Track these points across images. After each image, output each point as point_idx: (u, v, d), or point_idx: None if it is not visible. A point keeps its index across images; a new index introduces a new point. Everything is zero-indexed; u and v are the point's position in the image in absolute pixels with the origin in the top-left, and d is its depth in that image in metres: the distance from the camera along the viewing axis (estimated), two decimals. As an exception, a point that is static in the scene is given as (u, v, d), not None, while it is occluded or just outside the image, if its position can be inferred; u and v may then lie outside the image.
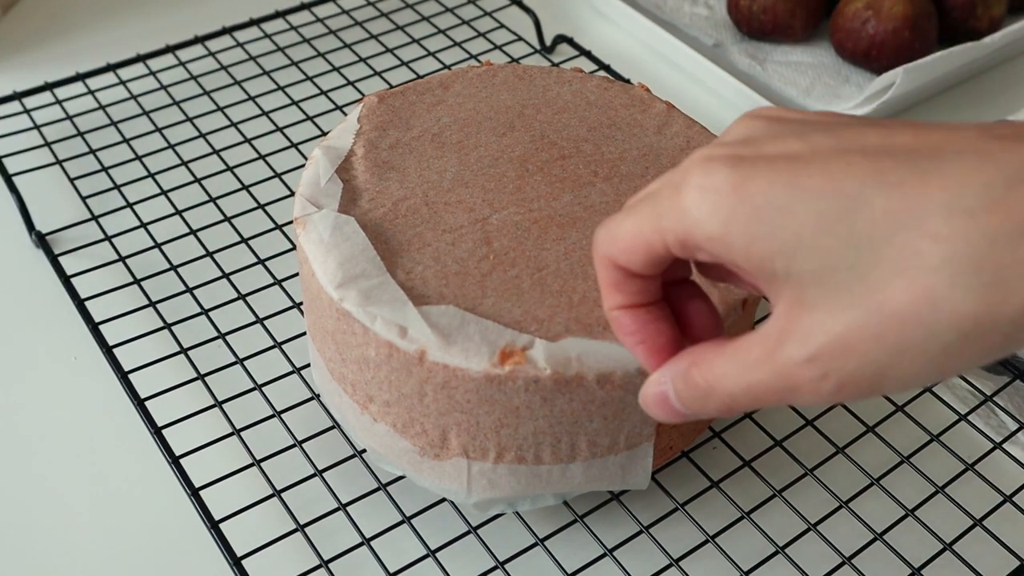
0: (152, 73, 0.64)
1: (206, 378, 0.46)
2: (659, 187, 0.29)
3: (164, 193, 0.57)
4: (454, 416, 0.38)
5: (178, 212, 0.56)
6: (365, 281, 0.38)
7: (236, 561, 0.39)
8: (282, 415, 0.45)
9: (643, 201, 0.29)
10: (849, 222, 0.25)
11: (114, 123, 0.61)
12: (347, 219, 0.40)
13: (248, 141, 0.60)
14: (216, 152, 0.59)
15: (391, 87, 0.65)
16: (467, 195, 0.42)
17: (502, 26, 0.70)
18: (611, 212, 0.42)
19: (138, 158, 0.59)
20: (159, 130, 0.61)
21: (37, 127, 0.61)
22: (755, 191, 0.26)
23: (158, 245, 0.53)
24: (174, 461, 0.43)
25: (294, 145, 0.60)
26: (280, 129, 0.61)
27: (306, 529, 0.41)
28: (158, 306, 0.50)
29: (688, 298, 0.33)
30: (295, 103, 0.64)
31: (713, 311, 0.33)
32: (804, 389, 0.27)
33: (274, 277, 0.52)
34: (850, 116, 0.29)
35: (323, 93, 0.64)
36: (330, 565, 0.40)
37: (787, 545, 0.41)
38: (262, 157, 0.59)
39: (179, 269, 0.52)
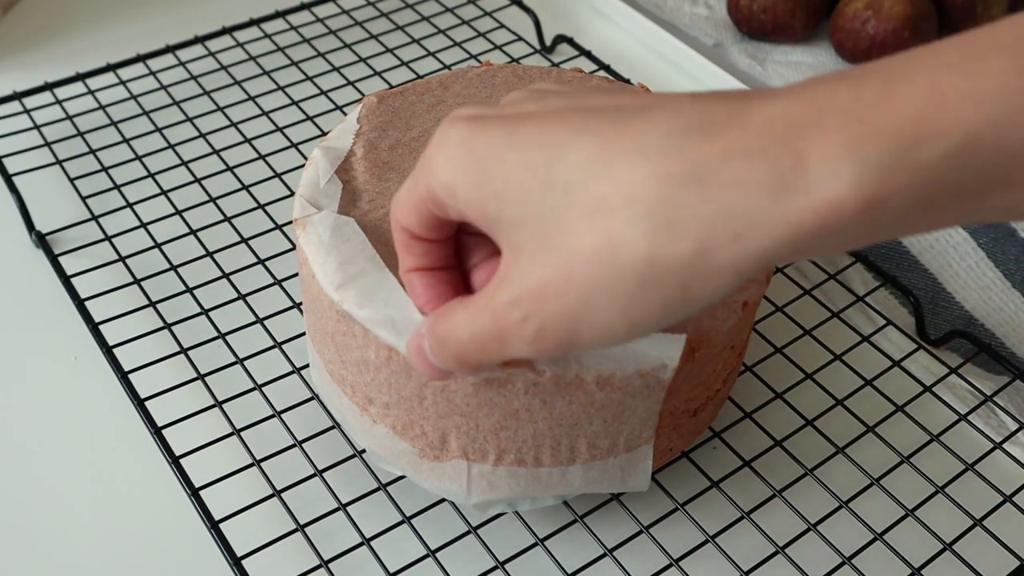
0: (152, 73, 0.64)
1: (206, 378, 0.46)
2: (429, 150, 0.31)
3: (164, 193, 0.57)
4: (454, 419, 0.38)
5: (178, 212, 0.56)
6: (365, 281, 0.38)
7: (236, 561, 0.39)
8: (282, 415, 0.45)
9: (419, 165, 0.31)
10: (550, 169, 0.27)
11: (114, 123, 0.61)
12: (347, 220, 0.40)
13: (248, 141, 0.60)
14: (216, 152, 0.59)
15: (391, 87, 0.65)
16: None
17: (502, 26, 0.70)
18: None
19: (138, 158, 0.59)
20: (159, 130, 0.61)
21: (37, 127, 0.61)
22: (479, 144, 0.28)
23: (158, 245, 0.53)
24: (174, 461, 0.43)
25: (294, 145, 0.60)
26: (280, 129, 0.61)
27: (306, 529, 0.41)
28: (158, 306, 0.50)
29: (488, 270, 0.33)
30: (295, 103, 0.64)
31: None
32: (511, 334, 0.28)
33: (274, 277, 0.52)
34: (610, 85, 0.30)
35: (323, 93, 0.64)
36: (330, 565, 0.40)
37: (787, 545, 0.41)
38: (262, 157, 0.59)
39: (179, 269, 0.52)
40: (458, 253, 0.33)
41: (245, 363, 0.47)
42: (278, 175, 0.58)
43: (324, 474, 0.43)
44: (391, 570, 0.40)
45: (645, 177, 0.25)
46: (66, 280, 0.51)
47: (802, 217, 0.24)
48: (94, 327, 0.48)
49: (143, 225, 0.54)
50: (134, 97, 0.63)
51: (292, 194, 0.57)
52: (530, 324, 0.28)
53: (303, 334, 0.48)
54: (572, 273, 0.26)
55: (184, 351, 0.47)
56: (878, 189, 0.23)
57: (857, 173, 0.23)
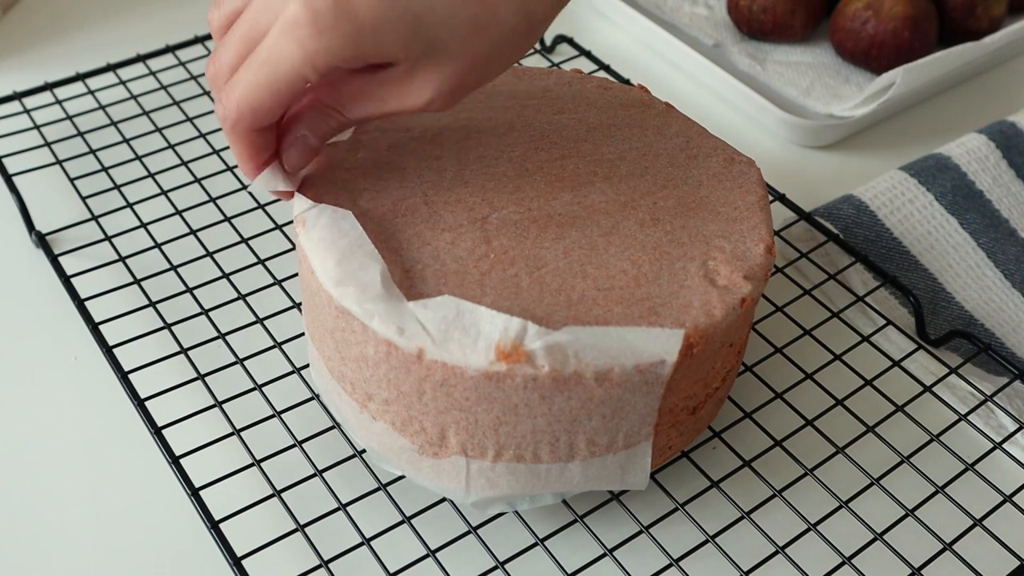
0: (152, 73, 0.64)
1: (206, 378, 0.46)
2: (271, 43, 0.35)
3: (164, 193, 0.57)
4: (453, 414, 0.38)
5: (178, 212, 0.56)
6: (364, 277, 0.38)
7: (236, 561, 0.39)
8: (282, 415, 0.45)
9: (261, 63, 0.36)
10: (435, 12, 0.35)
11: (114, 123, 0.61)
12: (345, 213, 0.40)
13: (248, 141, 0.60)
14: (216, 152, 0.59)
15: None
16: (466, 194, 0.42)
17: (502, 26, 0.70)
18: (610, 212, 0.42)
19: (138, 158, 0.59)
20: (159, 130, 0.61)
21: (37, 127, 0.61)
22: (364, 15, 0.34)
23: (158, 245, 0.53)
24: (174, 461, 0.43)
25: (294, 145, 0.60)
26: (280, 129, 0.61)
27: (306, 529, 0.41)
28: (158, 306, 0.50)
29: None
30: (295, 103, 0.64)
31: None
32: (429, 111, 0.38)
33: (274, 277, 0.52)
34: None
35: None
36: (330, 565, 0.40)
37: (787, 545, 0.41)
38: (262, 157, 0.59)
39: (179, 269, 0.52)
40: None
41: (245, 363, 0.47)
42: (278, 175, 0.58)
43: (324, 474, 0.43)
44: (391, 570, 0.40)
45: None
46: (66, 280, 0.51)
47: None
48: (94, 327, 0.48)
49: (143, 225, 0.54)
50: (134, 97, 0.63)
51: (292, 194, 0.57)
52: (453, 101, 0.38)
53: (303, 334, 0.48)
54: (475, 70, 0.37)
55: (184, 351, 0.47)
56: None
57: None
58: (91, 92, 0.63)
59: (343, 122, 0.38)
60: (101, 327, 0.48)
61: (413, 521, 0.42)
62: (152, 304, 0.50)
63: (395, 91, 0.37)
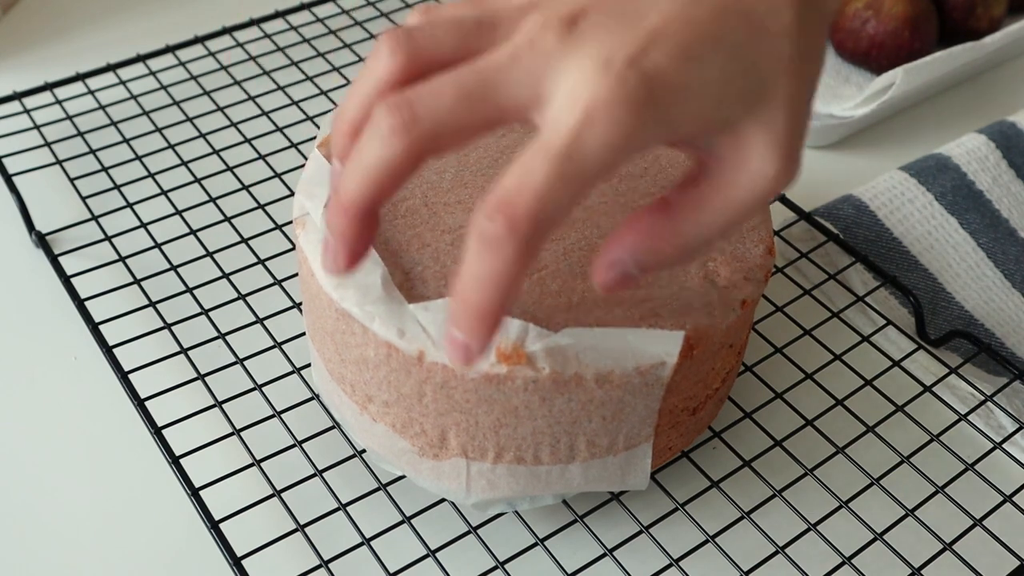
0: (152, 73, 0.64)
1: (206, 378, 0.46)
2: (563, 134, 0.28)
3: (164, 193, 0.57)
4: (453, 416, 0.38)
5: (178, 212, 0.56)
6: (364, 278, 0.38)
7: (236, 561, 0.39)
8: (282, 415, 0.45)
9: (552, 156, 0.28)
10: (737, 59, 0.29)
11: (114, 123, 0.61)
12: None
13: (248, 141, 0.60)
14: (216, 152, 0.59)
15: (391, 87, 0.65)
16: (466, 196, 0.42)
17: (502, 26, 0.70)
18: (610, 213, 0.42)
19: (138, 158, 0.59)
20: (159, 130, 0.61)
21: (37, 127, 0.61)
22: (671, 83, 0.28)
23: (158, 245, 0.53)
24: (174, 461, 0.43)
25: (294, 145, 0.60)
26: (280, 129, 0.61)
27: (306, 529, 0.41)
28: (158, 306, 0.50)
29: None
30: (295, 103, 0.64)
31: None
32: (783, 188, 0.31)
33: (274, 277, 0.52)
34: None
35: (323, 93, 0.64)
36: (330, 565, 0.40)
37: (787, 545, 0.41)
38: (262, 157, 0.59)
39: (179, 269, 0.52)
40: None
41: (245, 363, 0.47)
42: (278, 175, 0.58)
43: (324, 474, 0.43)
44: (391, 570, 0.40)
45: (793, 23, 0.30)
46: (66, 280, 0.51)
47: None
48: (94, 327, 0.48)
49: (143, 225, 0.54)
50: (134, 97, 0.63)
51: (292, 194, 0.57)
52: (799, 162, 0.31)
53: (303, 334, 0.48)
54: (803, 109, 0.31)
55: (184, 351, 0.47)
56: None
57: None
58: (91, 92, 0.63)
59: (676, 255, 0.32)
60: (101, 327, 0.48)
61: (413, 521, 0.42)
62: (152, 304, 0.50)
63: (735, 180, 0.30)
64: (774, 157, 0.30)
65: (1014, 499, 0.44)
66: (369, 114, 0.29)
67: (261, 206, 0.56)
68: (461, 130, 0.29)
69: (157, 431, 0.44)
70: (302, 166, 0.58)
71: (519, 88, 0.29)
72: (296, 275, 0.52)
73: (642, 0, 0.29)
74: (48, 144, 0.60)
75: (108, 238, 0.54)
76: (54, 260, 0.52)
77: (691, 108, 0.29)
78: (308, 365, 0.47)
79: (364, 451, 0.44)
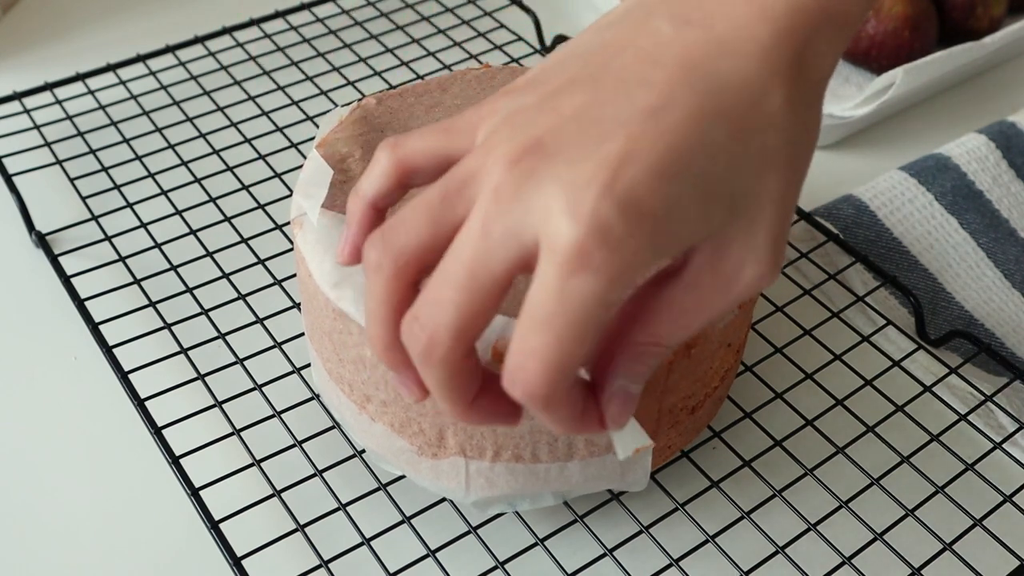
0: (152, 73, 0.64)
1: (206, 378, 0.46)
2: (558, 282, 0.26)
3: (164, 193, 0.57)
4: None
5: (178, 212, 0.56)
6: (360, 278, 0.38)
7: (236, 561, 0.39)
8: (282, 415, 0.45)
9: (548, 311, 0.27)
10: (714, 161, 0.28)
11: (114, 123, 0.61)
12: (342, 217, 0.40)
13: (248, 141, 0.60)
14: (216, 152, 0.59)
15: (391, 87, 0.65)
16: None
17: (502, 26, 0.70)
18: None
19: (138, 158, 0.59)
20: (159, 130, 0.61)
21: (37, 127, 0.61)
22: (651, 209, 0.27)
23: (158, 245, 0.53)
24: (174, 461, 0.43)
25: (294, 145, 0.60)
26: (280, 129, 0.61)
27: (306, 529, 0.41)
28: (158, 306, 0.50)
29: None
30: (295, 103, 0.64)
31: None
32: (765, 288, 0.31)
33: (274, 277, 0.52)
34: (544, 78, 0.30)
35: (323, 93, 0.64)
36: (330, 565, 0.40)
37: (787, 545, 0.41)
38: (262, 157, 0.59)
39: (179, 269, 0.52)
40: None
41: (245, 363, 0.47)
42: (278, 175, 0.58)
43: (324, 474, 0.43)
44: (391, 570, 0.40)
45: (783, 110, 0.29)
46: (66, 280, 0.51)
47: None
48: (94, 327, 0.48)
49: (143, 225, 0.54)
50: (134, 97, 0.63)
51: (292, 194, 0.57)
52: (782, 260, 0.30)
53: (303, 334, 0.48)
54: (789, 207, 0.29)
55: (184, 351, 0.47)
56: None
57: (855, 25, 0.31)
58: (91, 92, 0.63)
59: (664, 354, 0.30)
60: (101, 327, 0.48)
61: (413, 521, 0.42)
62: (152, 304, 0.50)
63: (713, 284, 0.29)
64: (756, 262, 0.29)
65: (1014, 499, 0.44)
66: (396, 339, 0.30)
67: (261, 206, 0.56)
68: (478, 320, 0.28)
69: (157, 431, 0.44)
70: (302, 166, 0.58)
71: (506, 253, 0.27)
72: (296, 275, 0.52)
73: (604, 119, 0.27)
74: (48, 144, 0.60)
75: (108, 238, 0.54)
76: (54, 260, 0.52)
77: (676, 229, 0.27)
78: (308, 365, 0.47)
79: (364, 451, 0.44)
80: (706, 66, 0.28)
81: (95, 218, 0.55)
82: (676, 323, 0.30)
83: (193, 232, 0.54)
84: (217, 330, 0.49)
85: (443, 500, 0.43)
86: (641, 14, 0.30)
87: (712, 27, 0.29)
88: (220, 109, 0.63)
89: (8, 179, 0.57)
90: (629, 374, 0.30)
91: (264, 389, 0.46)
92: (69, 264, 0.53)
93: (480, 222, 0.27)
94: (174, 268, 0.52)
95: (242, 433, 0.44)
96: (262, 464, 0.43)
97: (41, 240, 0.54)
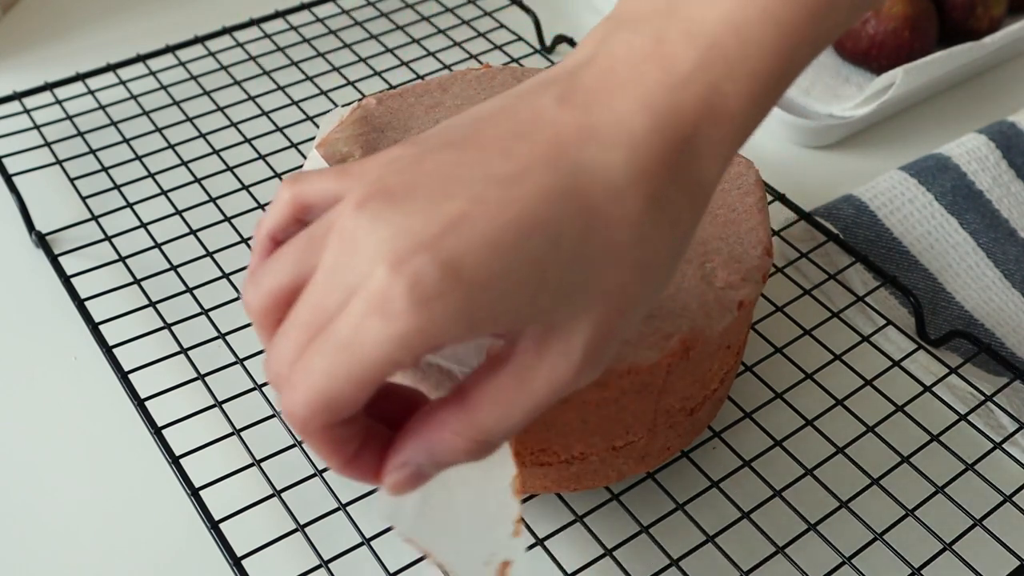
0: (152, 73, 0.64)
1: (206, 378, 0.46)
2: (351, 321, 0.27)
3: (164, 193, 0.57)
4: None
5: (178, 212, 0.56)
6: None
7: (236, 561, 0.39)
8: (282, 415, 0.45)
9: (337, 346, 0.27)
10: (556, 249, 0.27)
11: (114, 123, 0.61)
12: None
13: (248, 141, 0.60)
14: (216, 152, 0.59)
15: (391, 87, 0.65)
16: None
17: (502, 26, 0.70)
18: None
19: (138, 158, 0.59)
20: (159, 130, 0.61)
21: (37, 127, 0.61)
22: (472, 274, 0.26)
23: (158, 245, 0.53)
24: (174, 461, 0.43)
25: (294, 145, 0.60)
26: (280, 129, 0.61)
27: (306, 529, 0.41)
28: (158, 306, 0.50)
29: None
30: (295, 103, 0.64)
31: (402, 389, 0.32)
32: (580, 383, 0.29)
33: (274, 277, 0.52)
34: (432, 146, 0.29)
35: (323, 93, 0.64)
36: (330, 565, 0.40)
37: (787, 545, 0.41)
38: (262, 157, 0.59)
39: (179, 269, 0.52)
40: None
41: (245, 363, 0.47)
42: (278, 175, 0.58)
43: (324, 474, 0.43)
44: (391, 570, 0.40)
45: (638, 208, 0.28)
46: (66, 280, 0.51)
47: (725, 162, 0.30)
48: (94, 327, 0.48)
49: (143, 225, 0.54)
50: (134, 97, 0.63)
51: (292, 194, 0.57)
52: (598, 367, 0.29)
53: (303, 334, 0.48)
54: (622, 308, 0.28)
55: (184, 351, 0.47)
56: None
57: (745, 127, 0.30)
58: (91, 92, 0.63)
59: (475, 449, 0.29)
60: (101, 327, 0.48)
61: (413, 521, 0.42)
62: (152, 304, 0.50)
63: (534, 374, 0.28)
64: (576, 354, 0.28)
65: (1014, 499, 0.44)
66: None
67: (261, 206, 0.56)
68: (348, 388, 0.27)
69: (157, 431, 0.44)
70: (302, 166, 0.58)
71: (341, 295, 0.27)
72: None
73: (456, 178, 0.27)
74: (48, 144, 0.60)
75: (108, 238, 0.54)
76: (54, 260, 0.52)
77: (496, 304, 0.27)
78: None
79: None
80: (573, 149, 0.28)
81: (95, 218, 0.55)
82: (498, 413, 0.29)
83: (193, 232, 0.54)
84: (217, 330, 0.49)
85: (443, 500, 0.43)
86: (538, 87, 0.30)
87: (590, 111, 0.28)
88: (220, 109, 0.63)
89: (8, 179, 0.57)
90: (436, 455, 0.29)
91: (264, 389, 0.46)
92: (69, 264, 0.53)
93: (323, 266, 0.28)
94: (174, 268, 0.52)
95: (242, 433, 0.44)
96: (262, 464, 0.43)
97: (41, 240, 0.54)
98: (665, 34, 0.29)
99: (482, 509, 0.34)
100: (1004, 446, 0.46)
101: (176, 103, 0.63)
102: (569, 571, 0.40)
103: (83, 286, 0.51)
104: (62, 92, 0.64)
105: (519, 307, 0.27)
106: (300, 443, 0.44)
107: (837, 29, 0.31)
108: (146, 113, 0.62)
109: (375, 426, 0.30)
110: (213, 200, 0.56)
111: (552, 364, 0.28)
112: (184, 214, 0.56)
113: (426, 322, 0.26)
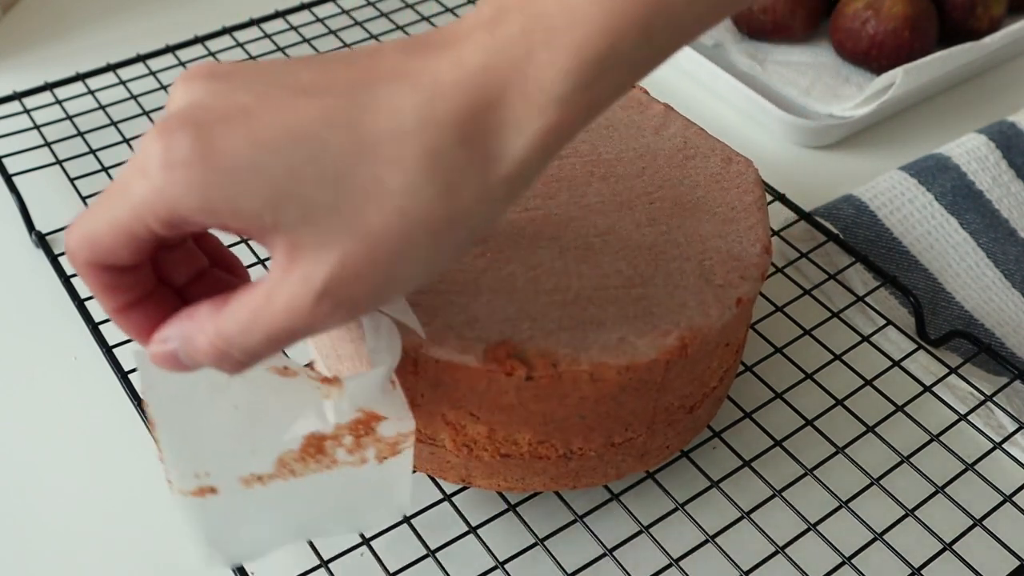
0: (152, 73, 0.64)
1: (206, 378, 0.46)
2: (126, 174, 0.29)
3: (164, 193, 0.57)
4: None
5: (178, 212, 0.56)
6: None
7: (236, 561, 0.39)
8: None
9: (111, 193, 0.29)
10: (317, 166, 0.28)
11: (114, 123, 0.61)
12: None
13: (248, 141, 0.60)
14: (216, 152, 0.59)
15: (391, 87, 0.65)
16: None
17: (502, 26, 0.70)
18: (607, 211, 0.42)
19: (138, 158, 0.59)
20: (159, 130, 0.61)
21: (37, 127, 0.61)
22: (222, 156, 0.27)
23: (158, 245, 0.53)
24: (174, 461, 0.43)
25: (294, 145, 0.60)
26: (280, 129, 0.61)
27: (306, 529, 0.41)
28: (158, 306, 0.50)
29: (186, 264, 0.33)
30: (295, 103, 0.64)
31: (205, 264, 0.34)
32: (320, 323, 0.29)
33: (274, 277, 0.52)
34: (282, 61, 0.30)
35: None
36: (330, 565, 0.40)
37: (787, 545, 0.41)
38: (262, 157, 0.59)
39: (179, 269, 0.52)
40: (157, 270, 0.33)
41: (245, 363, 0.47)
42: (278, 175, 0.58)
43: (324, 474, 0.43)
44: (391, 570, 0.40)
45: (420, 152, 0.28)
46: (66, 280, 0.51)
47: (541, 138, 0.28)
48: (94, 327, 0.48)
49: (143, 225, 0.54)
50: (134, 97, 0.63)
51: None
52: (342, 309, 0.29)
53: (303, 334, 0.48)
54: (374, 252, 0.28)
55: (184, 351, 0.47)
56: (589, 98, 0.29)
57: (560, 105, 0.28)
58: (91, 92, 0.63)
59: (214, 355, 0.30)
60: (101, 327, 0.48)
61: (413, 521, 0.42)
62: (152, 304, 0.50)
63: (276, 294, 0.29)
64: (316, 283, 0.28)
65: (1014, 499, 0.44)
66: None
67: (261, 206, 0.56)
68: (108, 238, 0.30)
69: (157, 431, 0.44)
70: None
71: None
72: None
73: (262, 78, 0.29)
74: (48, 144, 0.60)
75: (108, 238, 0.53)
76: (54, 260, 0.52)
77: (236, 194, 0.27)
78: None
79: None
80: (379, 84, 0.28)
81: (95, 218, 0.55)
82: (237, 322, 0.29)
83: (193, 232, 0.54)
84: (217, 330, 0.49)
85: (443, 500, 0.43)
86: (403, 40, 0.30)
87: (412, 59, 0.29)
88: (220, 109, 0.63)
89: (8, 179, 0.57)
90: (184, 342, 0.31)
91: (264, 389, 0.46)
92: (69, 264, 0.53)
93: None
94: (174, 268, 0.52)
95: (242, 433, 0.44)
96: (262, 464, 0.43)
97: (41, 240, 0.54)
98: (507, 3, 0.29)
99: (250, 424, 0.34)
100: (1004, 446, 0.46)
101: (176, 103, 0.63)
102: (569, 571, 0.40)
103: (83, 286, 0.51)
104: (62, 92, 0.64)
105: (260, 208, 0.28)
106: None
107: (681, 28, 0.30)
108: (146, 113, 0.62)
109: (167, 294, 0.32)
110: (213, 200, 0.56)
111: (292, 287, 0.28)
112: (184, 214, 0.56)
113: (167, 185, 0.27)
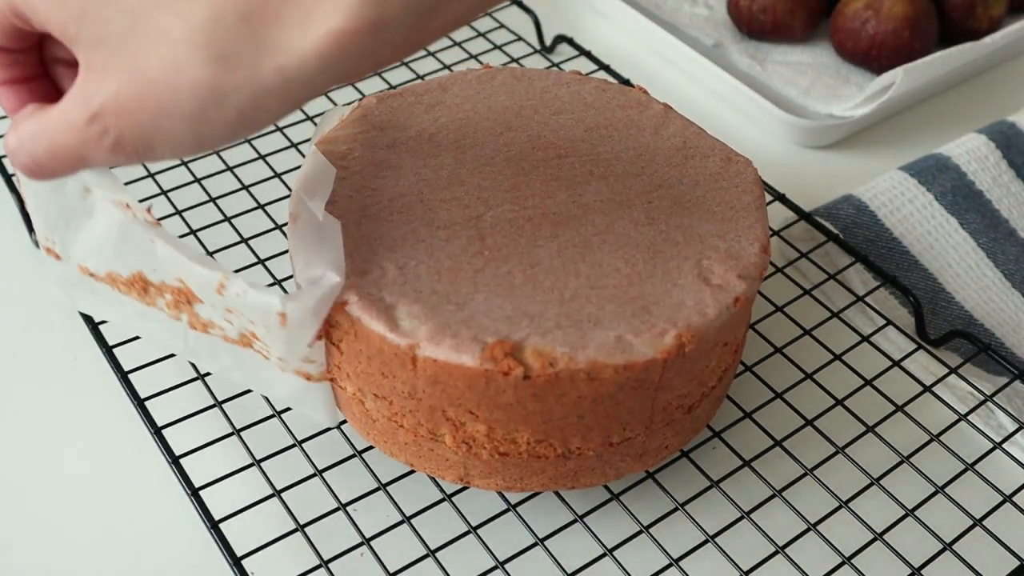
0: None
1: (206, 378, 0.46)
2: None
3: (164, 193, 0.57)
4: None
5: (178, 212, 0.56)
6: (322, 283, 0.38)
7: (236, 561, 0.39)
8: (282, 415, 0.45)
9: None
10: (103, 3, 0.30)
11: (114, 124, 0.61)
12: (332, 221, 0.40)
13: (248, 141, 0.60)
14: (216, 152, 0.59)
15: (391, 87, 0.65)
16: (462, 192, 0.42)
17: (502, 26, 0.70)
18: (605, 211, 0.42)
19: (138, 159, 0.59)
20: (159, 131, 0.61)
21: (37, 128, 0.61)
22: None
23: (158, 245, 0.53)
24: (174, 461, 0.43)
25: (294, 145, 0.60)
26: (280, 129, 0.61)
27: (306, 529, 0.41)
28: (158, 306, 0.50)
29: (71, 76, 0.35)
30: (295, 104, 0.64)
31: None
32: (90, 146, 0.31)
33: (274, 277, 0.52)
34: None
35: (323, 93, 0.64)
36: (330, 565, 0.40)
37: (787, 545, 0.41)
38: (262, 157, 0.59)
39: (179, 269, 0.52)
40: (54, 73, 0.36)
41: (245, 363, 0.47)
42: (278, 175, 0.58)
43: (324, 474, 0.43)
44: (391, 570, 0.40)
45: (201, 12, 0.29)
46: (66, 280, 0.51)
47: (324, 43, 0.29)
48: (94, 327, 0.48)
49: (143, 225, 0.54)
50: (134, 98, 0.63)
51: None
52: (108, 137, 0.31)
53: (303, 334, 0.48)
54: (143, 93, 0.30)
55: (184, 351, 0.47)
56: (376, 13, 0.29)
57: (346, 11, 0.29)
58: (91, 93, 0.63)
59: (15, 151, 0.33)
60: (101, 327, 0.48)
61: (413, 521, 0.42)
62: (152, 304, 0.50)
63: (64, 107, 0.31)
64: (91, 103, 0.31)
65: (1014, 499, 0.44)
66: None
67: (261, 206, 0.56)
68: None
69: (157, 431, 0.44)
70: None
71: None
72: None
73: None
74: (48, 145, 0.60)
75: (108, 238, 0.54)
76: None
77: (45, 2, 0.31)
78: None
79: (364, 451, 0.44)
80: None
81: (95, 218, 0.55)
82: (36, 123, 0.32)
83: (193, 232, 0.54)
84: (217, 330, 0.49)
85: (443, 500, 0.43)
86: None
87: None
88: (220, 110, 0.63)
89: (8, 179, 0.57)
90: (14, 131, 0.33)
91: (264, 389, 0.46)
92: (69, 264, 0.53)
93: None
94: (174, 268, 0.52)
95: (242, 433, 0.44)
96: (262, 464, 0.43)
97: (41, 240, 0.54)
98: None
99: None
100: (1004, 446, 0.46)
101: (176, 104, 0.63)
102: (569, 571, 0.40)
103: (83, 286, 0.51)
104: (62, 93, 0.64)
105: (67, 18, 0.30)
106: (300, 443, 0.44)
107: None
108: (146, 114, 0.62)
109: (48, 88, 0.36)
110: (213, 200, 0.56)
111: (74, 103, 0.31)
112: (184, 214, 0.56)
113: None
